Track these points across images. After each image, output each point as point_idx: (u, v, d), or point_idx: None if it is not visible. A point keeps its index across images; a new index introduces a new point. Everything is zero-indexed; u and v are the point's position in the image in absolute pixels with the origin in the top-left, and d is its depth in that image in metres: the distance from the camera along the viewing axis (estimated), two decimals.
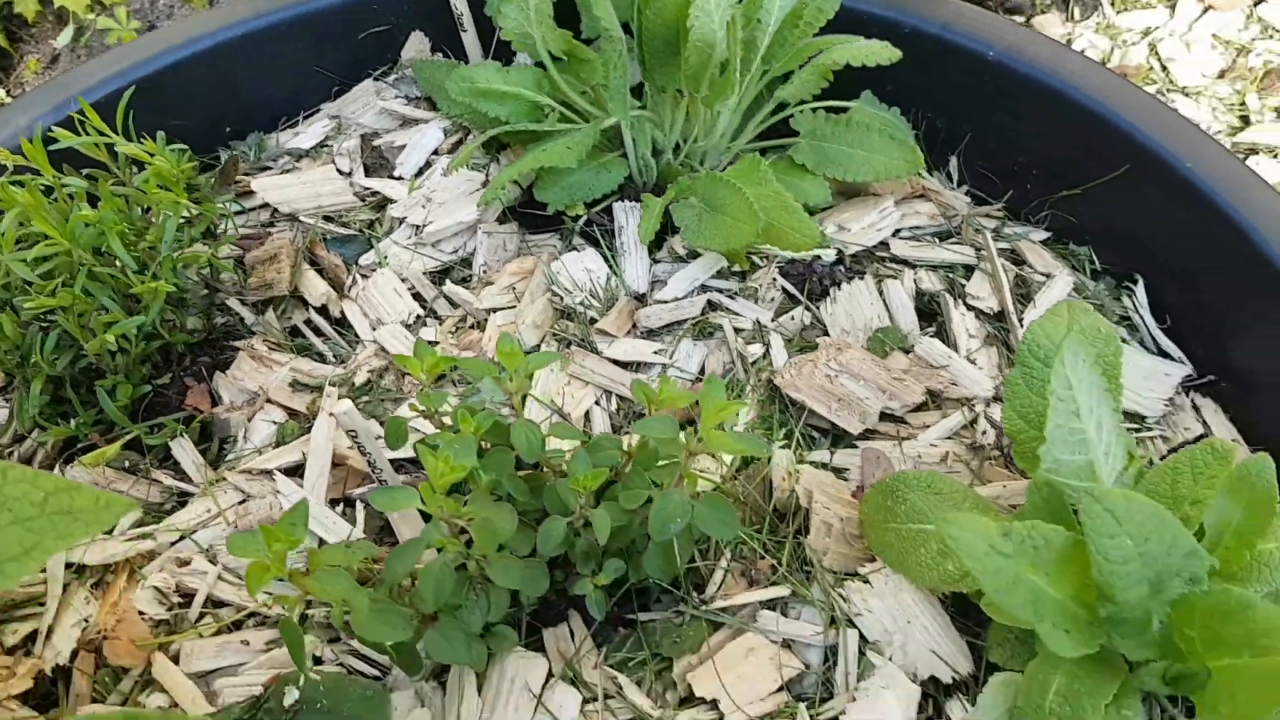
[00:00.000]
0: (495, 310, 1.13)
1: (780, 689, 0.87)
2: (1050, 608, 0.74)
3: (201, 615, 0.92)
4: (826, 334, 1.13)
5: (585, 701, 0.87)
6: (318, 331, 1.15)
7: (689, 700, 0.87)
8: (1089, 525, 0.70)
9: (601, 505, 0.84)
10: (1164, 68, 1.56)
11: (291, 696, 0.86)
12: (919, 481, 0.91)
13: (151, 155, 1.00)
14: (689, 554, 0.93)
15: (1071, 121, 1.12)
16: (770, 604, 0.92)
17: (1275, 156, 1.40)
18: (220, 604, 0.93)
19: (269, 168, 1.34)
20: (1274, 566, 0.80)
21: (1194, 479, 0.82)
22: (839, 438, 1.05)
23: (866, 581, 0.91)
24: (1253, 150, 1.42)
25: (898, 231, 1.22)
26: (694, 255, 1.18)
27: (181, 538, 0.96)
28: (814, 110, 1.21)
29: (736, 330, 1.11)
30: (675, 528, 0.80)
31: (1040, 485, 0.78)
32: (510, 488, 0.86)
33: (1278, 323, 0.98)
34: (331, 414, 1.03)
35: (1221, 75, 1.55)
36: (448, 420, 0.85)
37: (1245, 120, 1.48)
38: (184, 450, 1.02)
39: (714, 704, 0.86)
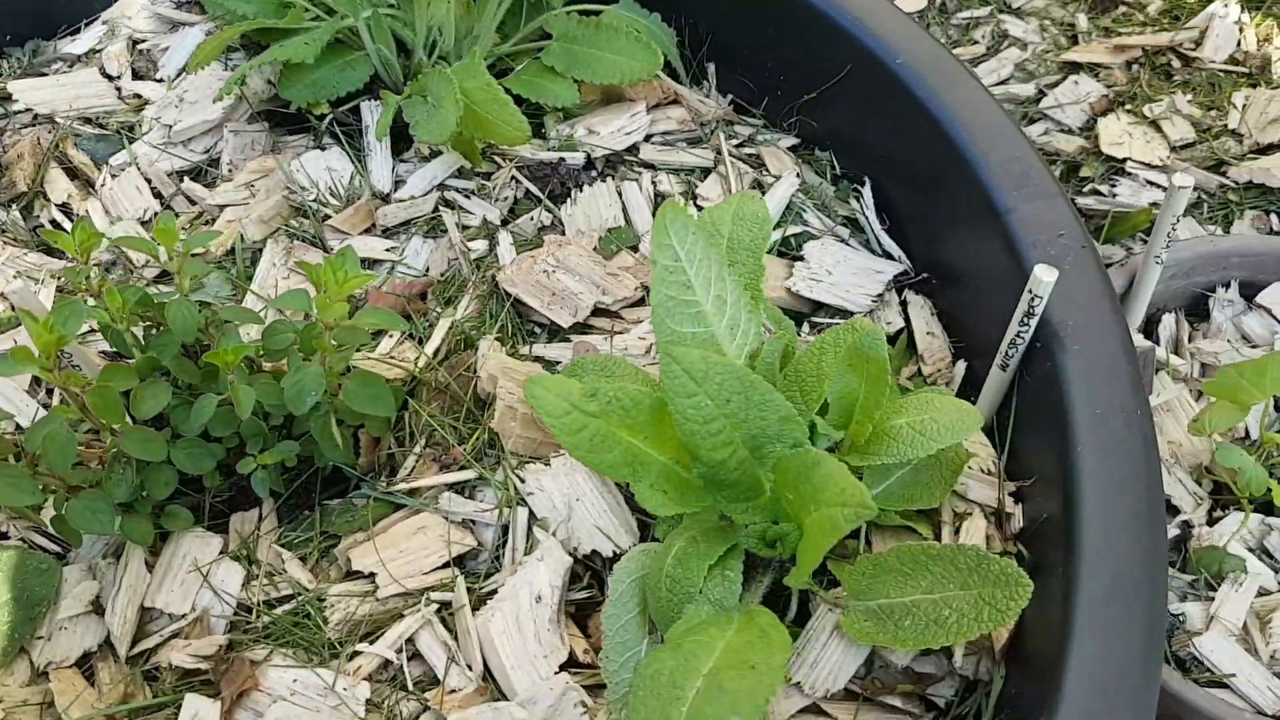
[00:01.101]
0: (227, 206, 1.14)
1: (446, 565, 0.89)
2: (651, 469, 0.77)
3: None
4: (564, 234, 1.14)
5: (249, 579, 0.88)
6: (59, 227, 1.16)
7: (349, 575, 0.89)
8: (667, 384, 0.72)
9: (256, 385, 0.85)
10: None
11: None
12: (595, 365, 0.93)
13: None
14: (381, 426, 0.94)
15: (804, 24, 1.13)
16: (457, 487, 0.94)
17: (1096, 75, 1.41)
18: None
19: (44, 73, 1.34)
20: (904, 441, 0.82)
21: (835, 357, 0.85)
22: (555, 332, 1.06)
23: (547, 464, 0.93)
24: (1075, 66, 1.43)
25: (649, 137, 1.23)
26: (437, 154, 1.19)
27: None
28: (567, 13, 1.21)
29: (463, 228, 1.12)
30: (311, 399, 0.82)
31: (664, 356, 0.80)
32: (172, 367, 0.87)
33: (975, 221, 0.99)
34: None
35: None
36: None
37: (1074, 40, 1.49)
38: None
39: (371, 577, 0.88)
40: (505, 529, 0.91)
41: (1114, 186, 1.24)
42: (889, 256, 1.11)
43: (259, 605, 0.86)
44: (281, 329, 0.88)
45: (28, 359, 0.73)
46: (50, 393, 1.02)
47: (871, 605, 0.80)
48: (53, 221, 1.17)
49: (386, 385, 0.86)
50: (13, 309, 1.04)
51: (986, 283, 0.97)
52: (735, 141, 1.23)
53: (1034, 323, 0.83)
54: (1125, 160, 1.27)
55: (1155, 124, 1.32)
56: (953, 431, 0.80)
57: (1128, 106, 1.35)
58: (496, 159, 1.19)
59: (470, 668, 0.83)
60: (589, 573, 0.89)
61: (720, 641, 0.74)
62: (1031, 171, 0.94)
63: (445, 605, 0.86)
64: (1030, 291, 0.81)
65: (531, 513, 0.91)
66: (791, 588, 0.82)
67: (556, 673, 0.81)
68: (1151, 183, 1.24)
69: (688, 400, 0.72)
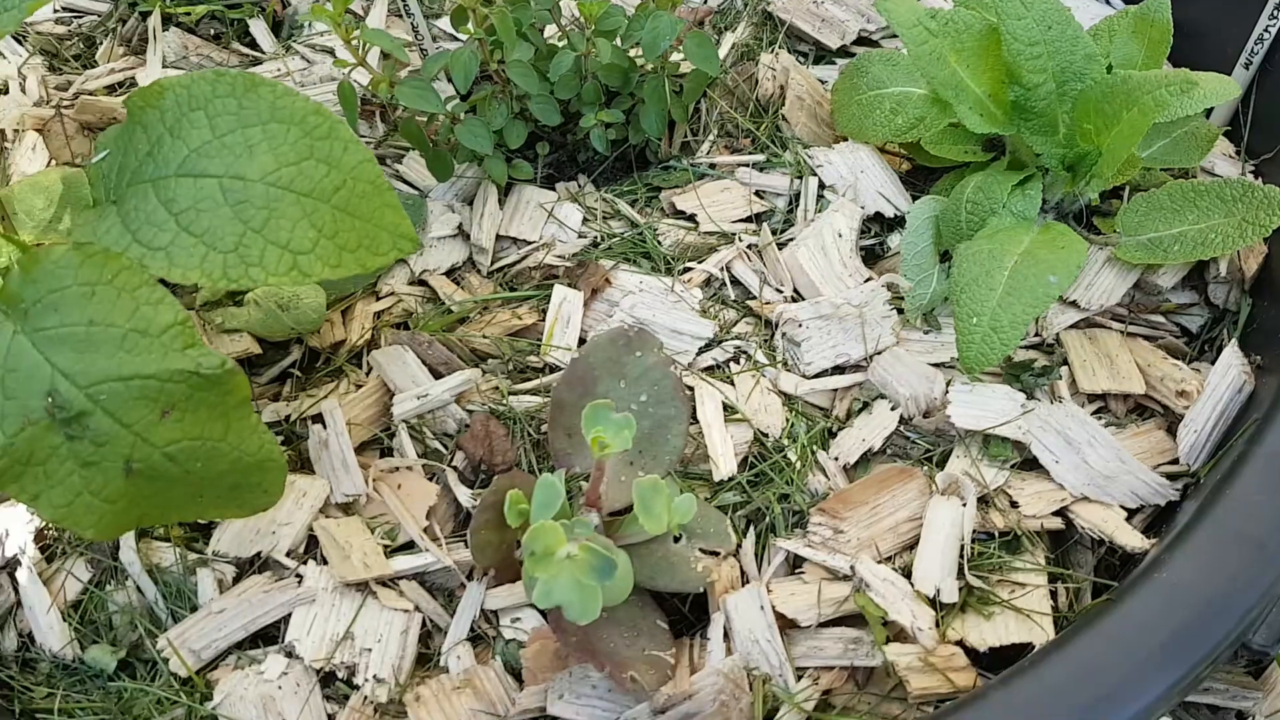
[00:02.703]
0: None
1: (749, 219, 1.04)
2: (968, 96, 0.90)
3: None
4: None
5: (587, 218, 1.04)
6: None
7: (673, 215, 1.04)
8: (1001, 7, 0.85)
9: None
10: None
11: None
12: (875, 56, 1.06)
13: None
14: (681, 113, 1.09)
15: None
16: (747, 166, 1.08)
17: None
18: None
19: None
20: (1170, 102, 0.95)
21: (1109, 38, 0.98)
22: (821, 55, 1.20)
23: (831, 147, 1.07)
24: None
25: None
26: None
27: None
28: None
29: None
30: (665, 44, 0.96)
31: None
32: (530, 34, 1.03)
33: None
34: None
35: None
36: None
37: None
38: (259, 28, 1.20)
39: (692, 218, 1.03)
40: (796, 197, 1.05)
41: None
42: None
43: (601, 232, 1.02)
44: None
45: None
46: None
47: (1142, 239, 0.93)
48: None
49: (714, 46, 1.01)
50: None
51: None
52: None
53: None
54: None
55: None
56: (1213, 95, 0.93)
57: None
58: None
59: (781, 289, 0.98)
60: (872, 233, 1.03)
61: (1026, 237, 0.88)
62: None
63: (752, 247, 1.01)
64: None
65: (821, 182, 1.05)
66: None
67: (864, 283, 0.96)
68: None
69: (1018, 22, 0.85)
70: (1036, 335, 0.93)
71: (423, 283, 1.01)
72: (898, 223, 1.03)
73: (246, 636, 0.76)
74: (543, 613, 0.79)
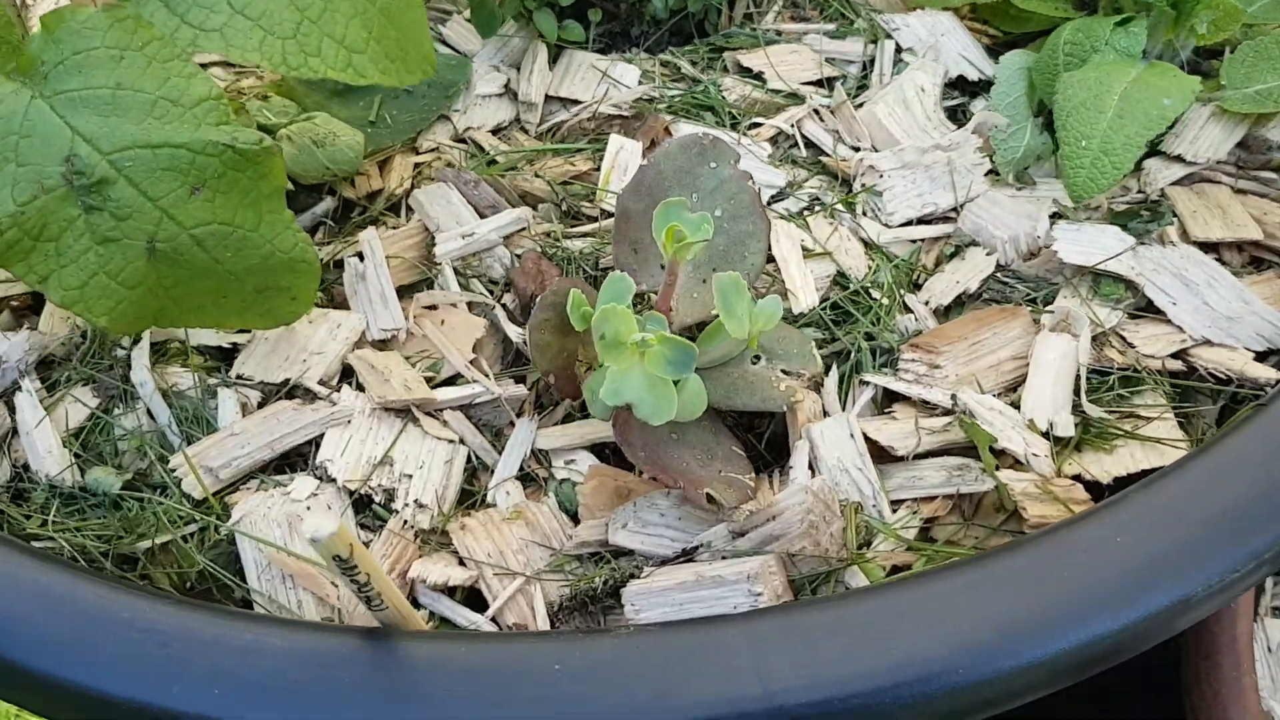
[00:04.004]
0: None
1: (819, 82, 0.96)
2: None
3: None
4: None
5: (642, 81, 0.97)
6: None
7: (737, 73, 0.96)
8: None
9: None
10: None
11: None
12: None
13: None
14: None
15: None
16: (817, 34, 1.01)
17: None
18: None
19: None
20: None
21: None
22: None
23: (908, 13, 1.00)
24: None
25: None
26: None
27: None
28: None
29: None
30: None
31: None
32: None
33: None
34: None
35: None
36: None
37: None
38: None
39: (759, 75, 0.96)
40: (869, 63, 0.98)
41: None
42: None
43: (660, 91, 0.95)
44: None
45: None
46: None
47: (1249, 91, 0.85)
48: None
49: None
50: None
51: None
52: None
53: None
54: None
55: None
56: None
57: None
58: None
59: (858, 146, 0.90)
60: (954, 97, 0.96)
61: (1133, 69, 0.80)
62: None
63: (823, 108, 0.93)
64: None
65: (897, 45, 0.98)
66: None
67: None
68: None
69: None
70: (1140, 191, 0.84)
71: (465, 141, 0.93)
72: (982, 88, 0.95)
73: (272, 458, 0.68)
74: (599, 452, 0.71)
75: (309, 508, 0.64)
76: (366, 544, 0.65)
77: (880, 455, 0.66)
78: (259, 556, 0.63)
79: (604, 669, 0.51)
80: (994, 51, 0.97)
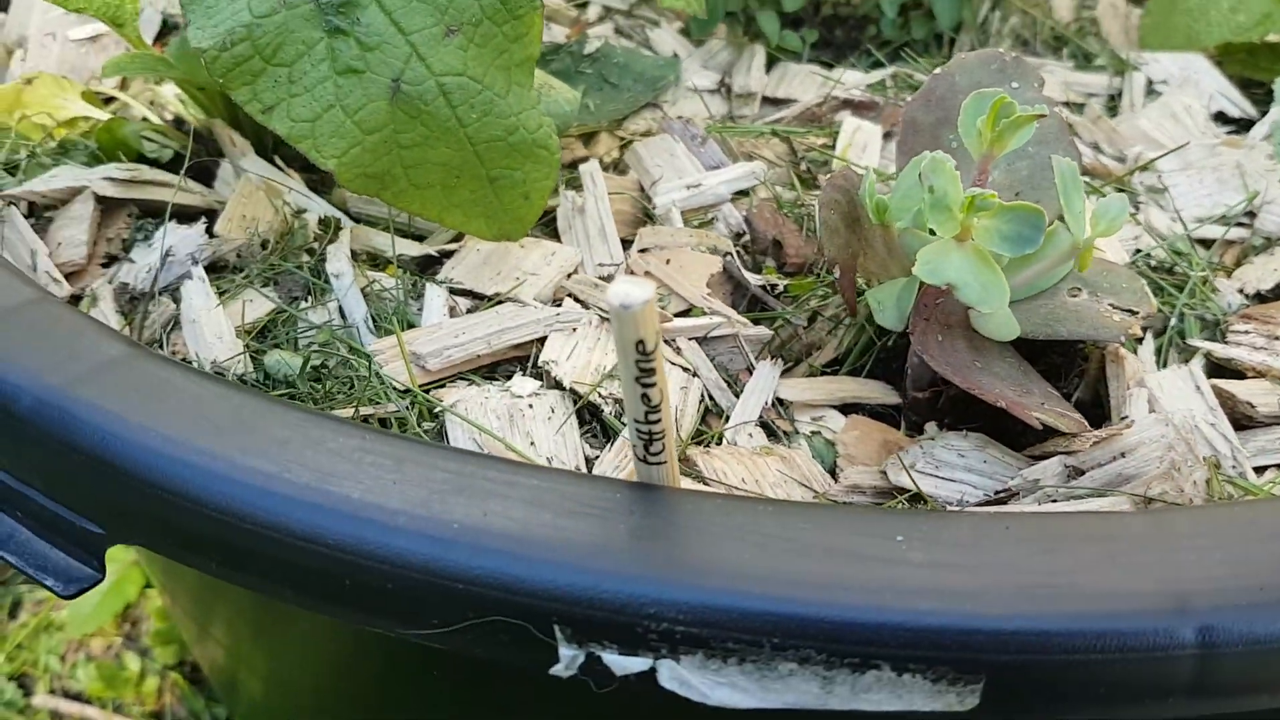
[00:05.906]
0: None
1: (1065, 103, 0.88)
2: None
3: None
4: None
5: (868, 87, 0.90)
6: None
7: None
8: None
9: None
10: None
11: (592, 45, 0.92)
12: None
13: None
14: (970, 15, 0.96)
15: None
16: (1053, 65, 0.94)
17: None
18: None
19: None
20: None
21: None
22: None
23: (1155, 52, 0.93)
24: None
25: None
26: None
27: None
28: None
29: None
30: None
31: None
32: None
33: None
34: None
35: None
36: None
37: None
38: None
39: None
40: (1115, 96, 0.90)
41: None
42: None
43: (892, 91, 0.87)
44: None
45: None
46: None
47: None
48: None
49: None
50: None
51: None
52: None
53: None
54: None
55: None
56: None
57: None
58: None
59: (1121, 158, 0.81)
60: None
61: None
62: None
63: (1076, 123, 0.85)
64: None
65: (1148, 79, 0.90)
66: None
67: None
68: None
69: None
70: None
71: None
72: (1242, 126, 0.86)
73: (487, 353, 0.56)
74: (849, 412, 0.58)
75: (530, 406, 0.52)
76: (592, 461, 0.53)
77: (1234, 413, 0.53)
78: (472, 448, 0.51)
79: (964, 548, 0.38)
80: (1247, 91, 0.89)
